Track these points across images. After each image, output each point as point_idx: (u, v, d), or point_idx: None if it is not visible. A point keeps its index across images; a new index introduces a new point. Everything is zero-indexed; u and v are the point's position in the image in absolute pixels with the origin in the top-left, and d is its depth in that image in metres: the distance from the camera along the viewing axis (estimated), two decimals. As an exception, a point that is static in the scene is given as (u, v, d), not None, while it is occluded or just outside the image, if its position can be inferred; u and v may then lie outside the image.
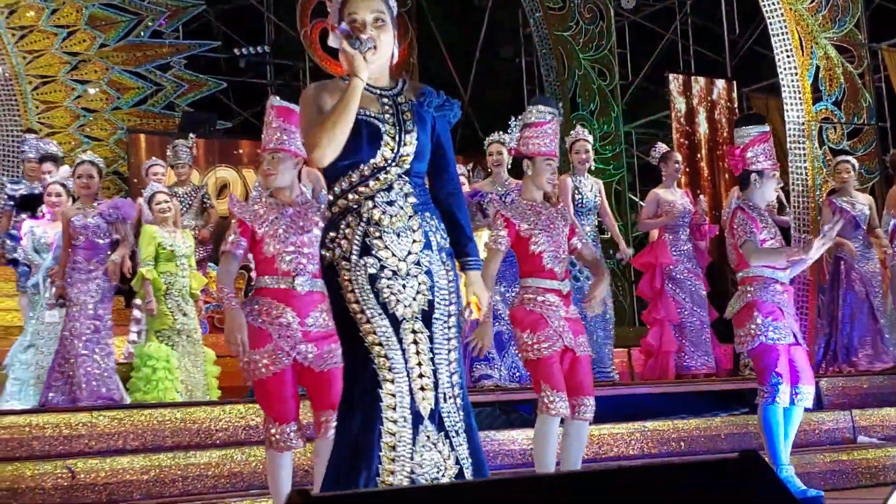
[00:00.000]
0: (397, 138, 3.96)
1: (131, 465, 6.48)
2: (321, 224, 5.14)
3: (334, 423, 4.94)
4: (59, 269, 8.40)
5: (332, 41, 3.94)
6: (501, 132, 9.23)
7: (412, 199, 3.97)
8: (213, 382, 9.13)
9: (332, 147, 3.82)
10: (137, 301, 10.09)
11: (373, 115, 3.96)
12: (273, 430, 5.17)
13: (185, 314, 8.92)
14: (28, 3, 15.29)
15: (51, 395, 8.15)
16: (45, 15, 15.41)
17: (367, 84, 3.95)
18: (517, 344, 6.15)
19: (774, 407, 6.40)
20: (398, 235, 3.92)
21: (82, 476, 6.31)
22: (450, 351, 3.94)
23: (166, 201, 9.09)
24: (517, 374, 8.66)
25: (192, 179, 11.60)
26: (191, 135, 11.95)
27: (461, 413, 3.93)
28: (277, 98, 5.53)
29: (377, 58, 3.95)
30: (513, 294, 8.39)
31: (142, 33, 16.07)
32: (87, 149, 15.32)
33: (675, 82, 15.83)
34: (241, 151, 15.69)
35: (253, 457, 6.76)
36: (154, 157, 11.14)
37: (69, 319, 8.29)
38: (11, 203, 10.94)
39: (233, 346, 5.03)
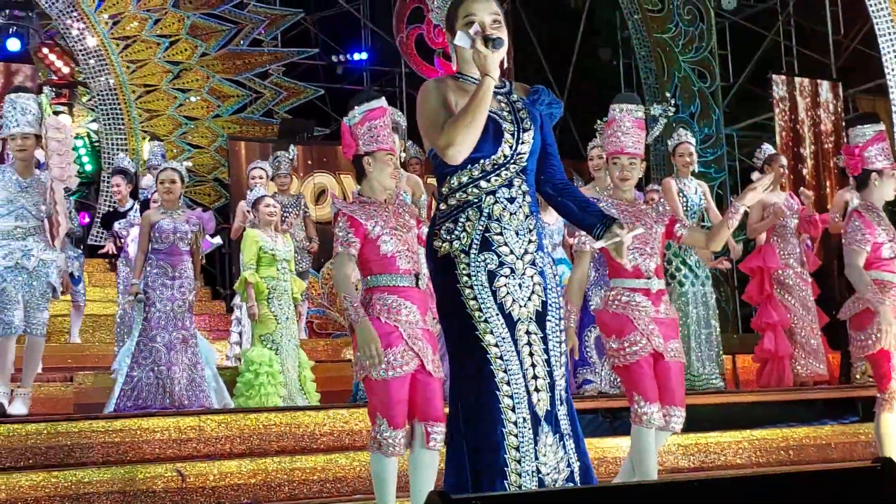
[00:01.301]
0: (516, 136, 3.99)
1: (239, 469, 6.55)
2: (414, 225, 5.17)
3: (439, 435, 4.93)
4: (138, 269, 8.50)
5: (461, 40, 3.95)
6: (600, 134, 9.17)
7: (529, 199, 4.00)
8: (311, 387, 9.15)
9: (467, 144, 3.84)
10: (237, 301, 10.18)
11: (494, 111, 3.98)
12: (387, 434, 5.00)
13: (287, 318, 8.96)
14: (131, 14, 15.55)
15: (121, 403, 8.23)
16: (148, 25, 15.65)
17: None
18: (605, 350, 5.88)
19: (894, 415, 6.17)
20: (517, 233, 3.93)
21: (191, 479, 6.37)
22: (562, 354, 3.94)
23: (273, 205, 9.17)
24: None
25: (291, 188, 11.71)
26: (291, 146, 12.05)
27: (572, 417, 3.93)
28: (384, 98, 5.48)
29: (498, 56, 3.96)
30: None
31: (241, 42, 16.24)
32: (189, 156, 15.56)
33: (778, 84, 15.56)
34: (338, 157, 15.77)
35: (357, 461, 6.78)
36: (256, 161, 11.24)
37: (154, 327, 8.37)
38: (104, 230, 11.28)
39: (368, 359, 4.84)
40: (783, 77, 15.88)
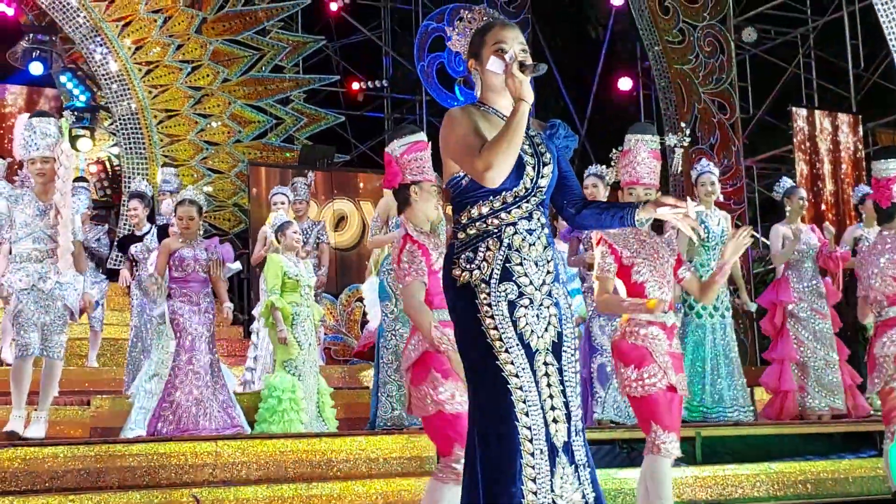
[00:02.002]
0: (537, 169, 4.01)
1: (255, 494, 6.53)
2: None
3: (457, 465, 4.90)
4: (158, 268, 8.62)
5: (493, 66, 3.97)
6: (598, 165, 9.20)
7: (547, 230, 4.02)
8: (330, 413, 9.14)
9: (506, 168, 3.85)
10: (255, 326, 10.20)
11: None
12: (455, 466, 4.97)
13: (310, 344, 8.97)
14: (154, 40, 15.65)
15: (159, 425, 8.25)
16: (171, 50, 15.76)
17: (503, 114, 4.01)
18: (619, 379, 5.83)
19: None
20: (536, 264, 3.95)
21: (207, 505, 6.37)
22: (577, 384, 3.96)
23: (298, 231, 9.22)
24: (620, 409, 8.48)
25: (308, 214, 11.73)
26: (309, 172, 12.09)
27: (586, 447, 3.93)
28: (423, 133, 5.53)
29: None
30: (612, 327, 8.31)
31: (263, 68, 16.33)
32: (210, 181, 15.62)
33: (798, 116, 15.55)
34: (358, 184, 15.82)
35: (374, 490, 6.76)
36: (278, 186, 11.29)
37: (188, 350, 8.42)
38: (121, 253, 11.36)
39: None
40: (803, 110, 15.87)
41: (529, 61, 3.93)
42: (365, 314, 11.65)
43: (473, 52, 4.10)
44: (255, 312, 10.32)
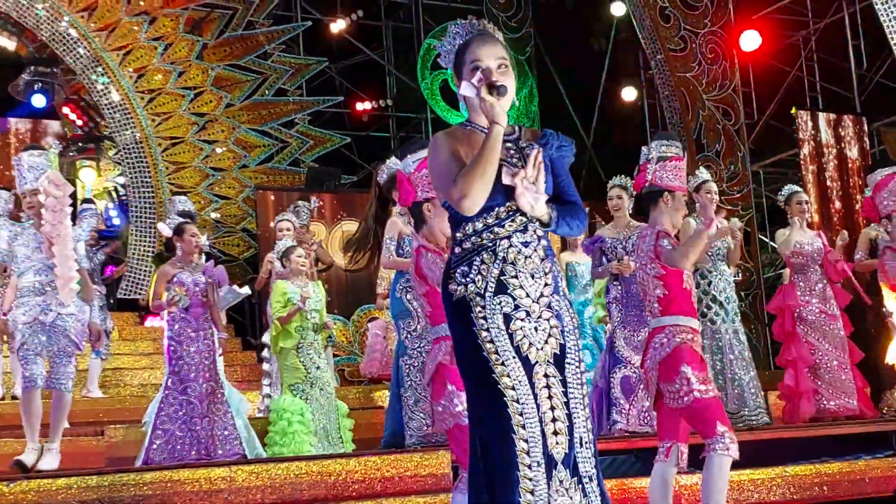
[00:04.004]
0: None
1: (270, 519, 6.52)
2: None
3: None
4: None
5: (466, 90, 3.95)
6: (622, 176, 9.15)
7: (544, 242, 4.00)
8: (348, 435, 9.15)
9: (482, 195, 3.83)
10: (265, 354, 10.21)
11: (503, 159, 3.96)
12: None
13: (318, 367, 8.97)
14: (156, 67, 15.70)
15: (153, 455, 8.23)
16: (173, 78, 15.81)
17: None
18: (678, 383, 5.56)
19: None
20: (532, 276, 3.93)
21: (222, 530, 6.35)
22: (583, 396, 3.93)
23: (303, 255, 9.22)
24: (647, 417, 8.47)
25: (313, 236, 11.70)
26: (313, 197, 12.10)
27: (594, 459, 3.91)
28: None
29: (505, 103, 3.96)
30: (638, 339, 8.31)
31: (266, 92, 16.37)
32: (217, 207, 15.65)
33: (802, 119, 15.52)
34: (366, 205, 15.80)
35: (390, 509, 6.75)
36: (283, 213, 11.29)
37: (185, 380, 8.42)
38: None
39: None
40: (807, 112, 15.84)
41: (500, 81, 3.89)
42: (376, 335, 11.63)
43: (456, 71, 4.08)
44: (265, 339, 10.32)
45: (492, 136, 3.83)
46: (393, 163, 8.30)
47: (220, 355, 8.76)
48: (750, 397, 9.17)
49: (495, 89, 3.86)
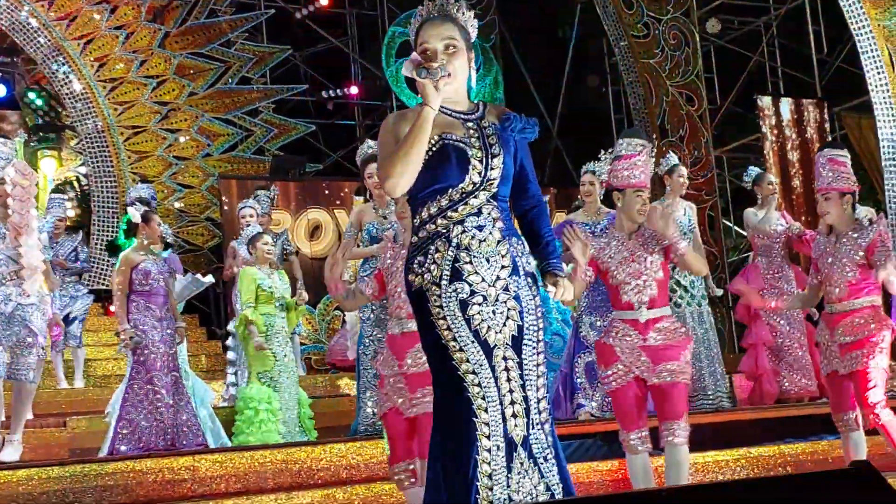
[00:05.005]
0: (484, 162, 3.97)
1: (235, 507, 6.49)
2: None
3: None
4: (123, 313, 8.45)
5: (406, 71, 3.95)
6: (594, 161, 9.16)
7: (500, 224, 3.99)
8: (310, 424, 9.12)
9: (406, 177, 3.85)
10: (230, 343, 10.17)
11: (459, 139, 3.97)
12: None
13: (285, 355, 8.94)
14: (117, 56, 15.59)
15: (119, 445, 8.19)
16: (135, 66, 15.69)
17: (448, 109, 4.00)
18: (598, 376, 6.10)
19: None
20: (487, 260, 3.93)
21: (186, 520, 6.33)
22: (538, 377, 3.95)
23: (269, 243, 9.16)
24: (609, 403, 8.51)
25: (271, 226, 11.64)
26: (272, 186, 12.07)
27: (549, 439, 3.93)
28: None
29: (452, 84, 3.94)
30: (604, 325, 8.36)
31: (230, 80, 16.28)
32: (181, 196, 15.57)
33: (764, 104, 15.61)
34: (332, 193, 15.79)
35: (355, 495, 6.74)
36: (245, 200, 11.24)
37: (150, 369, 8.36)
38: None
39: None
40: (768, 98, 15.93)
41: (435, 64, 3.89)
42: (344, 322, 11.63)
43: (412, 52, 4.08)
44: (230, 327, 10.27)
45: (419, 118, 3.84)
46: (368, 146, 8.38)
47: (179, 343, 8.70)
48: (711, 381, 9.18)
49: (426, 70, 3.86)
